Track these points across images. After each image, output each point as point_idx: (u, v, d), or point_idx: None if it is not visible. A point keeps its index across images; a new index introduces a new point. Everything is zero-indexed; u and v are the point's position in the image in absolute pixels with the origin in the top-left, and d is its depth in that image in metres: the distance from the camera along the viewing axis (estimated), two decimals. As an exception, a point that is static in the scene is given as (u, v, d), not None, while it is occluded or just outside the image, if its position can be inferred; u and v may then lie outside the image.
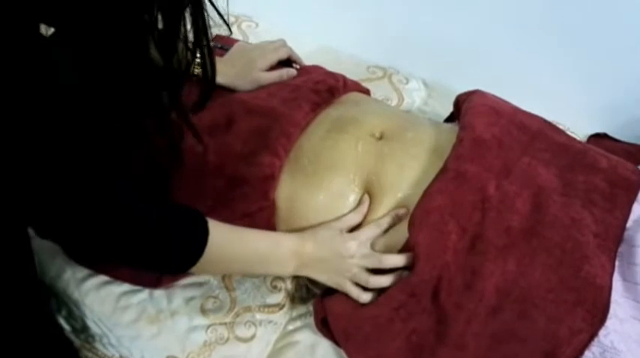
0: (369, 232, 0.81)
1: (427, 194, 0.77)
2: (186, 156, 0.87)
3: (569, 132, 1.01)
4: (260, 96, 0.95)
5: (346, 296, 0.78)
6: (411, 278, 0.73)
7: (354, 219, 0.82)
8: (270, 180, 0.84)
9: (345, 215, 0.83)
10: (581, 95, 1.18)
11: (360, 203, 0.83)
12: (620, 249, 0.76)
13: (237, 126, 0.90)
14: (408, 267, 0.77)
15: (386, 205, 0.81)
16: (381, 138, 0.86)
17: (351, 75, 1.13)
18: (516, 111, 0.88)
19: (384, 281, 0.78)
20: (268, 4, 1.37)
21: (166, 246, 0.67)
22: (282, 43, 1.03)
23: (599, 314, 0.70)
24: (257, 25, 1.38)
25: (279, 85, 0.98)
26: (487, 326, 0.71)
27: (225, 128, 0.90)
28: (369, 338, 0.75)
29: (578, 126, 1.17)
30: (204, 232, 0.69)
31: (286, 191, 0.85)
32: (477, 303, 0.71)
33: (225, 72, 1.02)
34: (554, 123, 0.94)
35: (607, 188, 0.80)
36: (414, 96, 1.24)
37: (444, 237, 0.73)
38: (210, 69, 0.66)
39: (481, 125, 0.83)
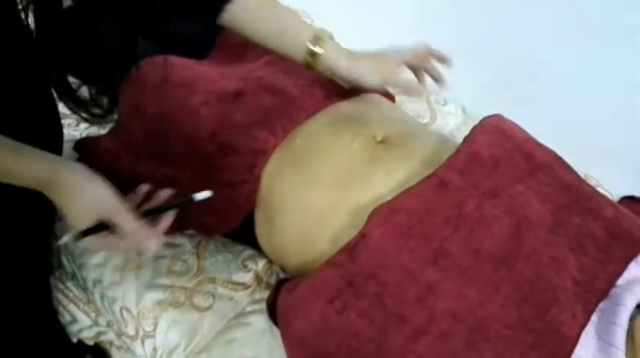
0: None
1: (403, 193, 0.73)
2: (185, 115, 0.89)
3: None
4: (278, 77, 0.94)
5: (297, 281, 0.74)
6: (351, 265, 0.69)
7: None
8: (260, 154, 0.83)
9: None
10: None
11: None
12: (602, 305, 0.69)
13: (245, 99, 0.90)
14: None
15: (362, 205, 0.75)
16: (382, 142, 0.83)
17: (389, 86, 1.11)
18: (529, 140, 0.82)
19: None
20: (329, 2, 1.38)
21: None
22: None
23: (555, 365, 0.63)
24: (312, 22, 1.38)
25: (302, 70, 0.97)
26: (433, 350, 0.66)
27: (233, 98, 0.90)
28: (305, 336, 0.70)
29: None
30: None
31: (273, 171, 0.83)
32: (425, 322, 0.66)
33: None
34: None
35: (604, 238, 0.72)
36: (449, 120, 1.20)
37: (402, 239, 0.69)
38: None
39: (483, 142, 0.79)
